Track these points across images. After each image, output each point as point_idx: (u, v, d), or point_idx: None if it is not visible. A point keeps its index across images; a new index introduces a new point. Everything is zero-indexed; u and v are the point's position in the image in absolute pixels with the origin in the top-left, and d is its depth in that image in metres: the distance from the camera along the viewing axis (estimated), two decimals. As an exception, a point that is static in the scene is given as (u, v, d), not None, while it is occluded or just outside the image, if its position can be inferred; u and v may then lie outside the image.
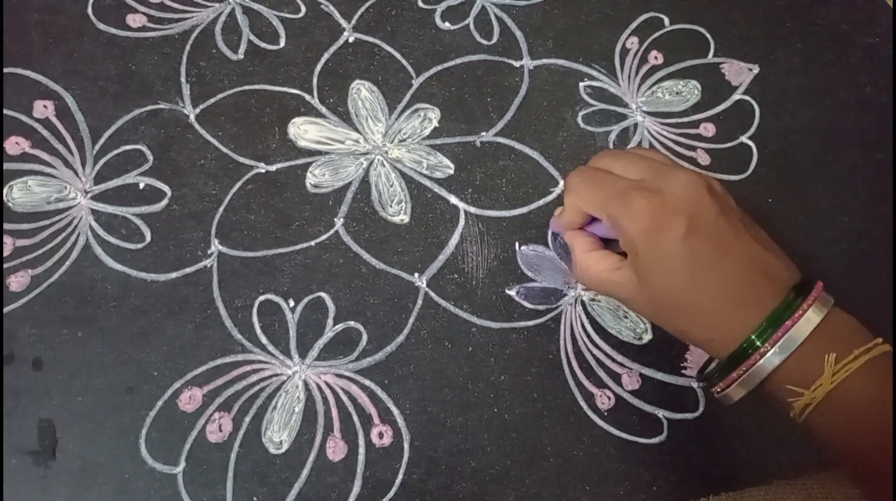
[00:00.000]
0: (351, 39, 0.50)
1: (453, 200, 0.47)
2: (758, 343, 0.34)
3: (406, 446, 0.41)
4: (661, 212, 0.35)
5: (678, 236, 0.35)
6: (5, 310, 0.41)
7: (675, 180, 0.36)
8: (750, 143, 0.51)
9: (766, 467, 0.43)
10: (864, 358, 0.33)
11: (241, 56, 0.49)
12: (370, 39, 0.51)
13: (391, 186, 0.47)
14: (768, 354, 0.33)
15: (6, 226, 0.42)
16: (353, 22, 0.51)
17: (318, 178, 0.46)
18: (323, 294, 0.43)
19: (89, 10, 0.48)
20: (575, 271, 0.41)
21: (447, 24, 0.52)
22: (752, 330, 0.34)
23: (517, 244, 0.46)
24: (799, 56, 0.55)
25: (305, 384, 0.41)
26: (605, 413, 0.43)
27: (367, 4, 0.51)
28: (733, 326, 0.35)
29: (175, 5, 0.49)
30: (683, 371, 0.44)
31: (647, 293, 0.37)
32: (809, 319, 0.33)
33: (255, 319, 0.42)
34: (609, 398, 0.43)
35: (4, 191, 0.43)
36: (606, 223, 0.38)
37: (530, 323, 0.44)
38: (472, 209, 0.47)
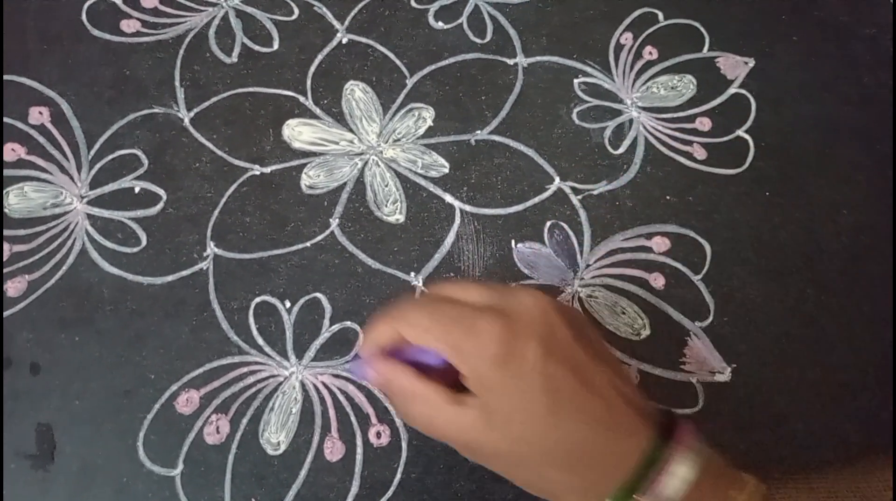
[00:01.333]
0: (344, 40, 0.50)
1: (449, 198, 0.47)
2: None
3: (404, 445, 0.41)
4: (511, 337, 0.31)
5: (533, 363, 0.31)
6: (3, 315, 0.41)
7: (523, 301, 0.33)
8: (747, 137, 0.51)
9: (768, 463, 0.43)
10: None
11: (234, 59, 0.49)
12: (363, 40, 0.51)
13: (386, 185, 0.47)
14: None
15: (3, 232, 0.42)
16: (347, 23, 0.51)
17: (312, 179, 0.46)
18: (319, 295, 0.43)
19: (83, 16, 0.48)
20: (400, 406, 0.35)
21: (440, 23, 0.52)
22: (629, 470, 0.30)
23: (513, 242, 0.46)
24: (797, 49, 0.54)
25: (302, 384, 0.41)
26: (604, 410, 0.43)
27: (360, 5, 0.51)
28: (610, 464, 0.31)
29: (169, 10, 0.49)
30: (682, 367, 0.44)
31: (497, 436, 0.31)
32: (678, 473, 0.30)
33: (251, 320, 0.43)
34: (607, 395, 0.43)
35: (1, 197, 0.43)
36: (445, 355, 0.33)
37: (527, 321, 0.44)
38: (468, 208, 0.47)
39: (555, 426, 0.31)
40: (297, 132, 0.47)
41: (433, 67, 0.50)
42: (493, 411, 0.31)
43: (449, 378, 0.33)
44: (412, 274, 0.45)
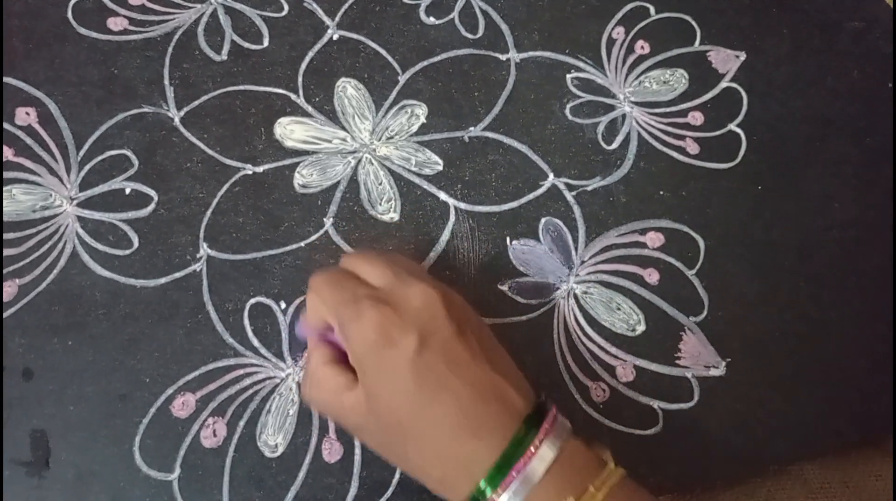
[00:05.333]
0: (335, 37, 0.50)
1: (443, 196, 0.47)
2: (488, 492, 0.31)
3: (402, 445, 0.41)
4: (391, 326, 0.33)
5: (408, 353, 0.32)
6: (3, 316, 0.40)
7: (413, 293, 0.34)
8: (738, 131, 0.51)
9: (763, 456, 0.43)
10: (601, 494, 0.31)
11: (224, 57, 0.48)
12: (355, 36, 0.50)
13: (380, 184, 0.46)
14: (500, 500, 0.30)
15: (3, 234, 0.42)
16: (337, 19, 0.50)
17: (305, 178, 0.46)
18: (314, 295, 0.43)
19: (69, 15, 0.47)
20: (304, 386, 0.37)
21: (432, 18, 0.51)
22: (485, 465, 0.31)
23: (508, 239, 0.46)
24: (786, 43, 0.54)
25: (299, 386, 0.41)
26: (601, 406, 0.43)
27: (350, 1, 0.51)
28: (466, 459, 0.32)
29: (156, 7, 0.49)
30: (678, 362, 0.44)
31: (374, 419, 0.33)
32: (543, 457, 0.31)
33: (246, 322, 0.42)
34: (604, 391, 0.43)
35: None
36: (338, 332, 0.35)
37: (523, 318, 0.44)
38: (462, 205, 0.47)
39: (417, 414, 0.32)
40: (289, 131, 0.47)
41: (425, 63, 0.50)
42: (370, 394, 0.33)
43: None
44: (407, 273, 0.44)
